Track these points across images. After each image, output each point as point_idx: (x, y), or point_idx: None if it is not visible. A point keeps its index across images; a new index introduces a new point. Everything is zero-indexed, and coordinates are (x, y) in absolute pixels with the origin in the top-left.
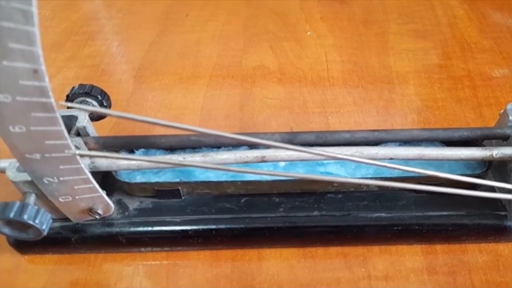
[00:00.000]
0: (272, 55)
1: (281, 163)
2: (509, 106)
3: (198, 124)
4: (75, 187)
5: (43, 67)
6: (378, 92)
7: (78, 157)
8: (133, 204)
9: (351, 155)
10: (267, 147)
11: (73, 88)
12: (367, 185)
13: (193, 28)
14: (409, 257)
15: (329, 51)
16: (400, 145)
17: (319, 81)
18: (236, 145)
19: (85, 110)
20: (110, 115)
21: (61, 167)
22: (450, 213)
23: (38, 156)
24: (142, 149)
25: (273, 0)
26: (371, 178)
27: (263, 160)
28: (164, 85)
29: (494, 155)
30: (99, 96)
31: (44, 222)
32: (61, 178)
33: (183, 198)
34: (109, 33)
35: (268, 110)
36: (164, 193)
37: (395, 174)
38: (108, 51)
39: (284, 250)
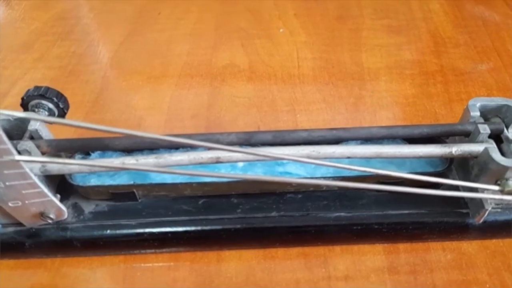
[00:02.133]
0: (242, 53)
1: (239, 163)
2: (471, 102)
3: (164, 125)
4: (23, 191)
5: None
6: (348, 89)
7: (21, 162)
8: (89, 207)
9: (308, 155)
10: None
11: (28, 90)
12: (327, 185)
13: (164, 26)
14: (370, 257)
15: (301, 48)
16: (362, 143)
17: (289, 79)
18: (194, 146)
19: (34, 119)
20: (54, 122)
21: (5, 172)
22: (411, 211)
23: None
24: (98, 152)
25: None
26: (328, 178)
27: (218, 161)
28: (132, 85)
29: (453, 152)
30: (55, 98)
31: None
32: (7, 183)
33: (139, 200)
34: (79, 33)
35: (236, 109)
36: (119, 196)
37: (355, 173)
38: (76, 52)
39: (244, 251)
